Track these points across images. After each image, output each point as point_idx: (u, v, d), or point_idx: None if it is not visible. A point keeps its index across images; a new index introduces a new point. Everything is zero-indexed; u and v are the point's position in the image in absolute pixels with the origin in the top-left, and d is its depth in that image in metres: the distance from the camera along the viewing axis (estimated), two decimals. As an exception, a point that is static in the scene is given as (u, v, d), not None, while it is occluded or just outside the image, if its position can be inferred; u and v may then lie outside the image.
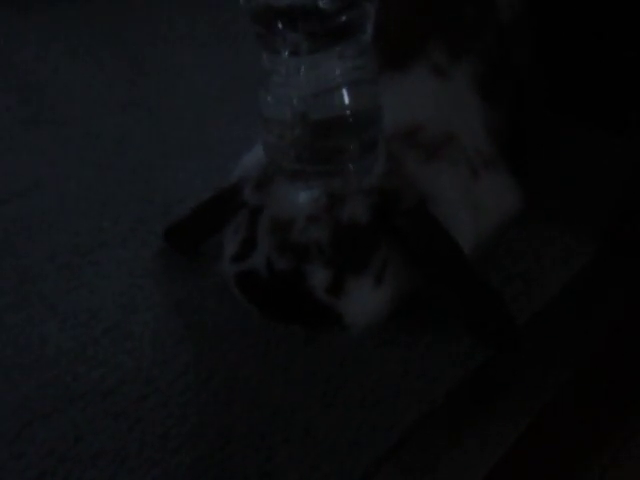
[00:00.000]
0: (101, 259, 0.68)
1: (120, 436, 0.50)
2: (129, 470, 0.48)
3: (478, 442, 0.50)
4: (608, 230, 0.69)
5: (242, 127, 0.87)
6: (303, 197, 0.54)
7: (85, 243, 0.70)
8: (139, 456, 0.49)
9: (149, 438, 0.50)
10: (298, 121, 0.51)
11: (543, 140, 0.79)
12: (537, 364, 0.56)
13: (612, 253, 0.67)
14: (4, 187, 0.83)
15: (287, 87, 0.50)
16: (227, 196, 0.60)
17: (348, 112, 0.51)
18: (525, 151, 0.73)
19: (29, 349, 0.59)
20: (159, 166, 0.82)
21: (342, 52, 0.50)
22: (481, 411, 0.53)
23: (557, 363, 0.56)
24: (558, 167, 0.77)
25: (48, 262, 0.68)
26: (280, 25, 0.48)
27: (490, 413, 0.52)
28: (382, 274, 0.55)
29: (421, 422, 0.51)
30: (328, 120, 0.51)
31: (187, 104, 0.95)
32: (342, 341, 0.58)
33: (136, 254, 0.68)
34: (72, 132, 0.89)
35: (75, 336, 0.60)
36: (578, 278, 0.64)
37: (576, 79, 0.81)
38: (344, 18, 0.48)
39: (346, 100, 0.51)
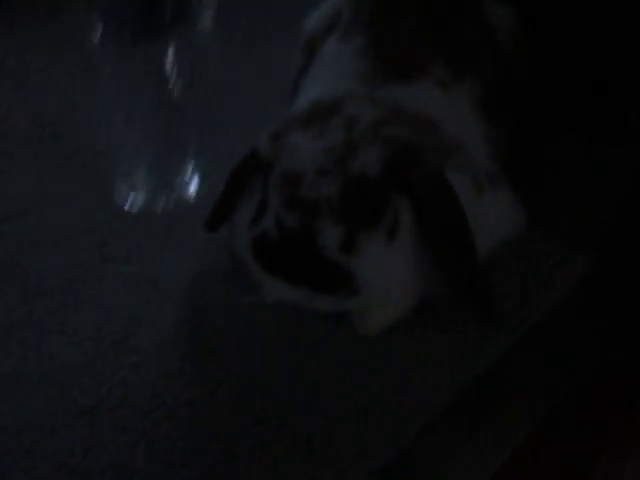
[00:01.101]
0: (106, 274, 0.68)
1: (127, 450, 0.51)
2: (137, 483, 0.49)
3: (479, 451, 0.51)
4: (606, 240, 0.70)
5: (245, 136, 0.87)
6: (315, 148, 0.53)
7: (90, 259, 0.70)
8: (146, 469, 0.49)
9: (155, 452, 0.51)
10: None
11: (542, 153, 0.79)
12: (538, 372, 0.57)
13: (610, 263, 0.67)
14: (9, 204, 0.83)
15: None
16: (248, 158, 0.59)
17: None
18: (526, 168, 0.73)
19: (37, 364, 0.59)
20: (162, 180, 0.82)
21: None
22: (482, 420, 0.53)
23: (557, 371, 0.57)
24: (556, 178, 0.78)
25: (54, 278, 0.68)
26: None
27: (491, 422, 0.53)
28: (394, 230, 0.54)
29: (422, 432, 0.52)
30: None
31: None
32: (344, 352, 0.59)
33: (141, 269, 0.69)
34: (75, 147, 0.89)
35: (82, 351, 0.60)
36: (576, 288, 0.65)
37: (573, 90, 0.82)
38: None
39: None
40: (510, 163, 0.69)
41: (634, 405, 0.55)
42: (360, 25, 0.71)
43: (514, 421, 0.53)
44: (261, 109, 0.86)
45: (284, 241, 0.53)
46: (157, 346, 0.60)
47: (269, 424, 0.53)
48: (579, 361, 0.58)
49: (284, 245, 0.53)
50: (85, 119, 0.94)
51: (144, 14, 0.62)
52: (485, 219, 0.61)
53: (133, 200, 0.75)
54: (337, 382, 0.56)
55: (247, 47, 1.19)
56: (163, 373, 0.58)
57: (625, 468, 0.50)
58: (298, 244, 0.52)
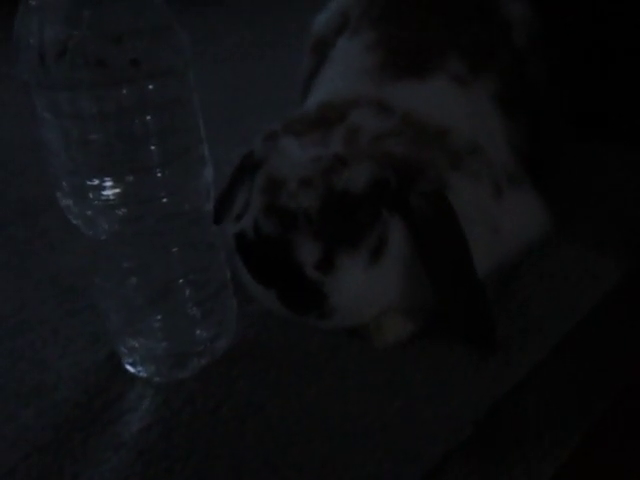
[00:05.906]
0: (105, 281, 0.65)
1: (122, 470, 0.47)
2: (131, 507, 0.45)
3: (508, 476, 0.46)
4: (635, 247, 0.66)
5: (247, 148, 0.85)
6: (304, 155, 0.50)
7: (88, 265, 0.67)
8: (142, 492, 0.46)
9: (152, 472, 0.47)
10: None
11: (562, 152, 0.77)
12: (568, 389, 0.53)
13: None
14: (9, 209, 0.81)
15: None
16: (246, 155, 0.56)
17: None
18: (546, 167, 0.71)
19: (28, 376, 0.56)
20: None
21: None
22: (510, 442, 0.49)
23: (590, 387, 0.53)
24: (580, 183, 0.75)
25: (50, 284, 0.66)
26: None
27: (521, 444, 0.48)
28: (378, 252, 0.50)
29: (447, 454, 0.47)
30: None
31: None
32: (360, 366, 0.55)
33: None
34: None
35: (76, 362, 0.57)
36: (608, 298, 0.61)
37: (592, 92, 0.80)
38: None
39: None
40: (530, 162, 0.66)
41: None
42: (370, 20, 0.69)
43: (545, 448, 0.48)
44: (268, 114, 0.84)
45: (259, 245, 0.50)
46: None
47: (278, 442, 0.48)
48: (613, 380, 0.54)
49: (259, 249, 0.50)
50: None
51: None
52: (506, 222, 0.58)
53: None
54: (352, 397, 0.52)
55: (255, 53, 1.18)
56: (162, 387, 0.54)
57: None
58: (273, 252, 0.49)
